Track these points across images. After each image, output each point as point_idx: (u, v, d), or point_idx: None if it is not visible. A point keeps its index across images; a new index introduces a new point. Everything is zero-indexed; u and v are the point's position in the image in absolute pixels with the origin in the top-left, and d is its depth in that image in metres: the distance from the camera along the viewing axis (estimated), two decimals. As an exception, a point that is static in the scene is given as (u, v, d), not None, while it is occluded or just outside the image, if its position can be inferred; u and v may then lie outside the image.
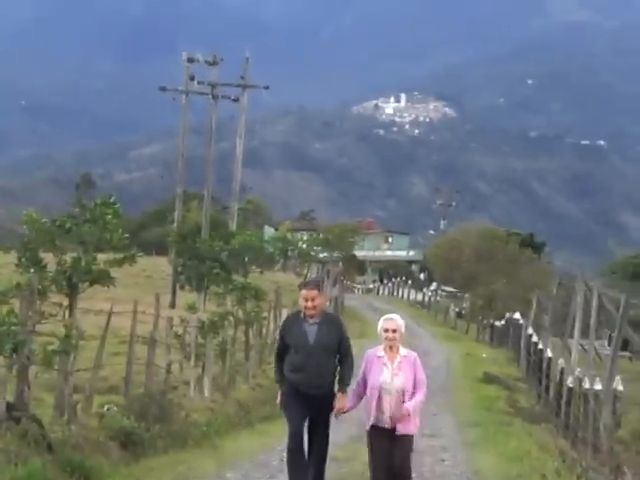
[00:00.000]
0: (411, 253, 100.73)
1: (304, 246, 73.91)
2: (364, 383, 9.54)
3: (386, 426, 9.39)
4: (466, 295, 63.63)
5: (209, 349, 19.95)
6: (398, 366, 9.46)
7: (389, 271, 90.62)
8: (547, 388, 24.86)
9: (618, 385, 16.23)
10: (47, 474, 9.90)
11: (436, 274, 76.53)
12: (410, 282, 79.04)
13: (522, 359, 33.59)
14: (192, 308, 23.21)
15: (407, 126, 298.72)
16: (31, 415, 10.91)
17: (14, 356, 10.63)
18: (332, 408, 9.77)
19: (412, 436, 9.53)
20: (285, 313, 25.74)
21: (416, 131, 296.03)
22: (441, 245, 76.05)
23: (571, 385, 19.59)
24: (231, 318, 22.24)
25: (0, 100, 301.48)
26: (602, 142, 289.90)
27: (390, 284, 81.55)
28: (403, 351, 9.59)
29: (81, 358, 13.78)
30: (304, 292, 9.80)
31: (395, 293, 78.16)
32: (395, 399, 9.37)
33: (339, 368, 9.89)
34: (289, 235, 71.72)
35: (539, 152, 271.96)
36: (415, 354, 9.66)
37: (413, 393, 9.39)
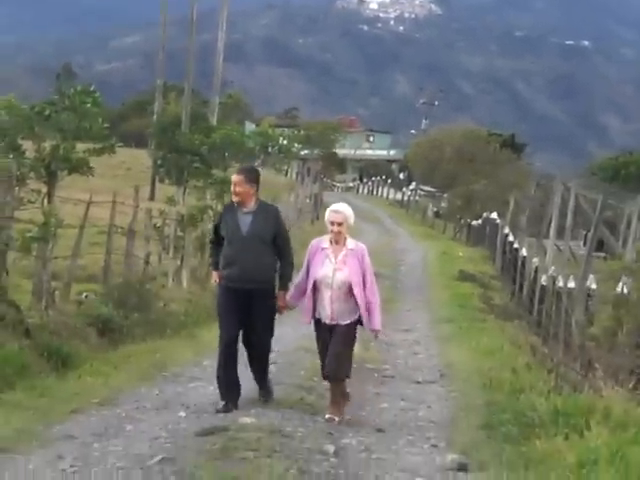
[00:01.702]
0: (392, 152, 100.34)
1: (285, 142, 73.49)
2: (307, 275, 9.04)
3: (327, 321, 8.94)
4: (445, 195, 63.77)
5: (188, 242, 20.04)
6: (342, 260, 8.94)
7: (369, 170, 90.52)
8: (521, 286, 25.17)
9: (592, 283, 16.45)
10: (24, 358, 10.02)
11: (416, 174, 76.52)
12: (390, 181, 79.08)
13: (497, 258, 33.91)
14: (171, 201, 23.19)
15: (392, 22, 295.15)
16: (9, 300, 10.98)
17: (-8, 242, 10.66)
18: (272, 306, 9.17)
19: (352, 329, 8.97)
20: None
21: (401, 28, 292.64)
22: (422, 145, 75.82)
23: (545, 283, 19.84)
24: (210, 212, 22.26)
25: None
26: (586, 43, 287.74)
27: (370, 183, 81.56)
28: (350, 243, 9.03)
29: (59, 246, 13.80)
30: (233, 177, 9.23)
31: (375, 192, 78.26)
32: (337, 294, 8.88)
33: (279, 264, 9.24)
34: (270, 131, 71.11)
35: (524, 52, 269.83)
36: (363, 246, 9.16)
37: (361, 287, 8.88)
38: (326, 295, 8.93)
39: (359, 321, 9.01)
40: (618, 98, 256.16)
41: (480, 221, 43.63)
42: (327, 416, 8.91)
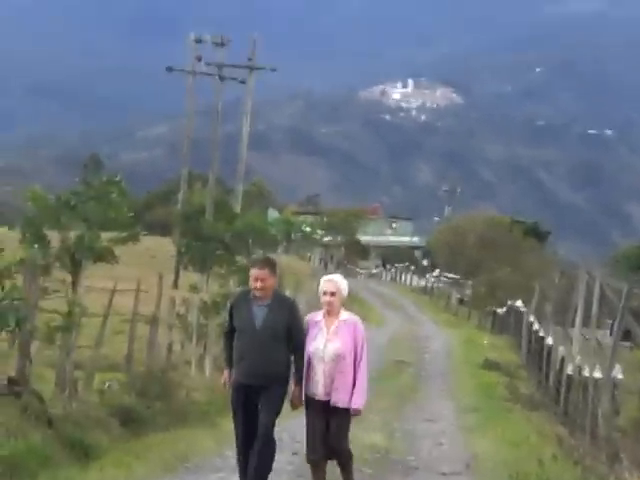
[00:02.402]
0: (415, 239, 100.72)
1: (308, 229, 73.96)
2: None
3: (322, 398, 8.63)
4: (469, 282, 63.65)
5: (211, 329, 20.04)
6: (334, 331, 8.67)
7: (392, 256, 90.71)
8: (547, 376, 24.88)
9: (618, 373, 16.25)
10: (47, 449, 9.99)
11: (439, 260, 76.58)
12: (413, 268, 79.14)
13: (523, 346, 33.62)
14: (195, 288, 23.37)
15: (414, 112, 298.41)
16: (32, 390, 10.98)
17: (17, 331, 10.70)
18: (280, 394, 8.73)
19: (348, 410, 8.69)
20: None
21: (423, 117, 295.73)
22: (445, 231, 76.08)
23: (571, 373, 19.61)
24: (233, 299, 22.27)
25: (4, 79, 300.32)
26: (609, 132, 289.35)
27: (393, 269, 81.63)
28: (344, 315, 8.81)
29: (83, 335, 13.88)
30: (254, 271, 8.75)
31: (398, 279, 78.27)
32: (329, 367, 8.60)
33: (293, 358, 8.79)
34: (292, 218, 71.69)
35: (546, 141, 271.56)
36: (357, 319, 8.91)
37: (354, 361, 8.62)
38: (319, 369, 8.64)
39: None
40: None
41: (505, 309, 43.41)
42: None
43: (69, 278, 13.08)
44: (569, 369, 20.00)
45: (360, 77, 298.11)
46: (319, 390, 8.63)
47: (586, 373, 17.76)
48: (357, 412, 8.75)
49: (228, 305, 9.29)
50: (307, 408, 8.74)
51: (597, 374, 17.23)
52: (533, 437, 14.91)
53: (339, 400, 8.62)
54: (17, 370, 11.07)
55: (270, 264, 8.91)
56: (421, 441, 14.56)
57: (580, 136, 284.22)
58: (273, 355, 8.64)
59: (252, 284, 8.74)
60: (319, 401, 8.62)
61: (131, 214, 14.65)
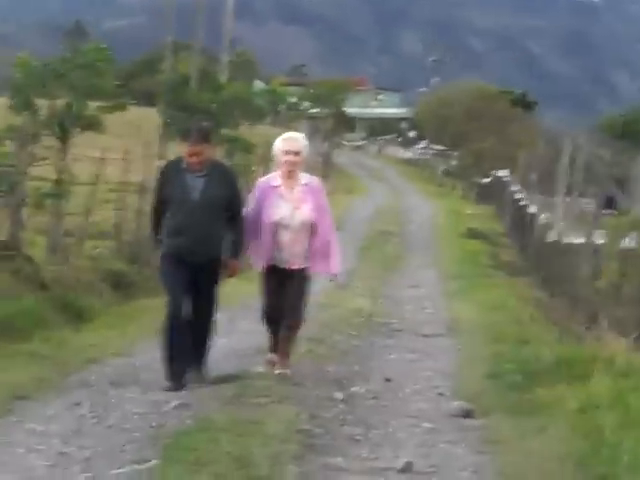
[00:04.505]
0: (401, 110, 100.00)
1: (294, 100, 73.44)
2: (255, 219, 8.09)
3: (285, 266, 8.17)
4: (455, 153, 63.69)
5: (198, 198, 20.16)
6: (300, 197, 8.07)
7: (379, 128, 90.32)
8: (529, 243, 25.25)
9: (599, 239, 16.51)
10: (40, 310, 10.25)
11: (426, 132, 76.35)
12: (399, 140, 79.02)
13: (506, 215, 33.98)
14: (181, 158, 23.33)
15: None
16: (24, 254, 11.19)
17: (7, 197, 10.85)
18: (218, 276, 8.14)
19: (308, 275, 8.34)
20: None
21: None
22: (431, 102, 75.57)
23: (552, 240, 19.93)
24: (220, 169, 22.32)
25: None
26: None
27: (379, 141, 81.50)
28: (304, 178, 8.13)
29: (72, 204, 14.02)
30: (188, 147, 7.79)
31: (384, 151, 78.23)
32: (295, 236, 8.10)
33: (230, 230, 8.06)
34: (279, 89, 71.06)
35: (534, 10, 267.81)
36: (318, 180, 8.36)
37: (320, 227, 8.14)
38: (284, 237, 8.12)
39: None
40: (628, 55, 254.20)
41: (489, 179, 43.65)
42: (278, 372, 8.27)
43: (57, 146, 13.14)
44: (550, 236, 20.32)
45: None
46: (283, 258, 8.17)
47: (567, 239, 18.07)
48: (336, 276, 8.53)
49: (157, 177, 8.33)
50: (267, 275, 8.26)
51: (578, 240, 17.52)
52: (513, 301, 15.29)
53: (299, 265, 8.26)
54: (9, 234, 11.24)
55: (205, 136, 7.92)
56: (404, 306, 14.92)
57: (568, 3, 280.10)
58: (213, 229, 7.94)
59: (186, 159, 7.87)
60: (280, 268, 8.19)
61: (117, 82, 14.58)
